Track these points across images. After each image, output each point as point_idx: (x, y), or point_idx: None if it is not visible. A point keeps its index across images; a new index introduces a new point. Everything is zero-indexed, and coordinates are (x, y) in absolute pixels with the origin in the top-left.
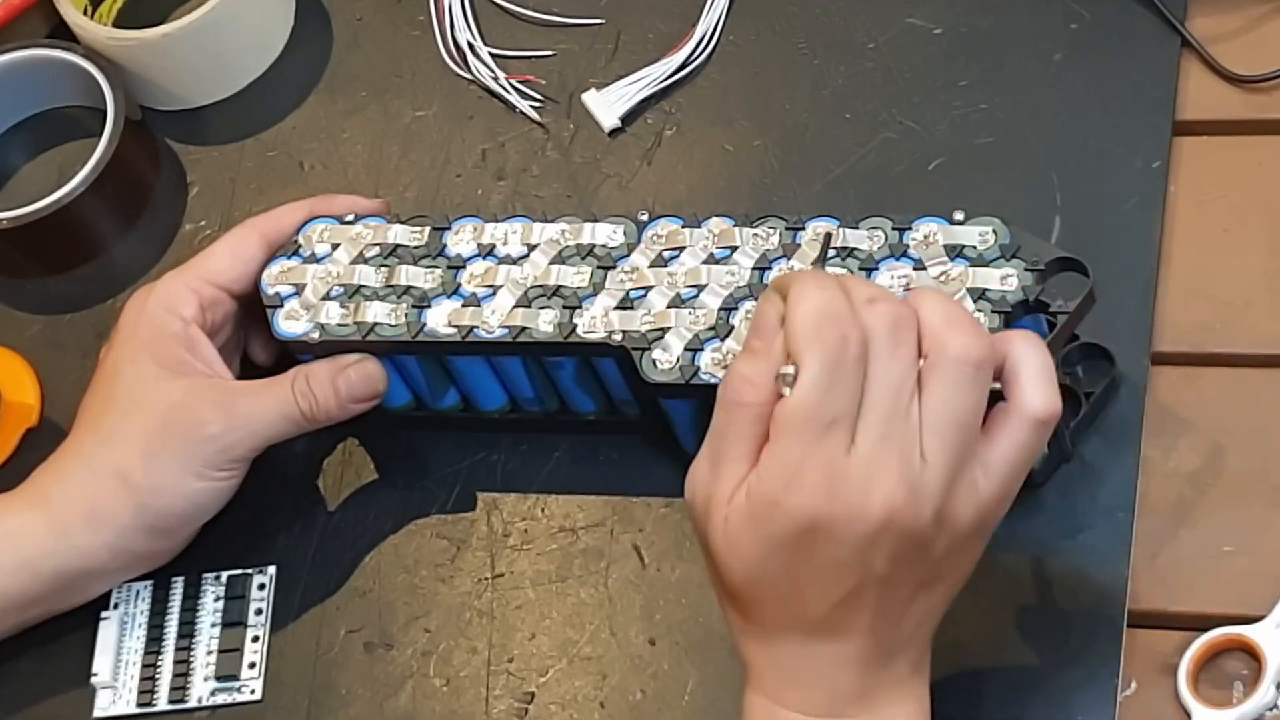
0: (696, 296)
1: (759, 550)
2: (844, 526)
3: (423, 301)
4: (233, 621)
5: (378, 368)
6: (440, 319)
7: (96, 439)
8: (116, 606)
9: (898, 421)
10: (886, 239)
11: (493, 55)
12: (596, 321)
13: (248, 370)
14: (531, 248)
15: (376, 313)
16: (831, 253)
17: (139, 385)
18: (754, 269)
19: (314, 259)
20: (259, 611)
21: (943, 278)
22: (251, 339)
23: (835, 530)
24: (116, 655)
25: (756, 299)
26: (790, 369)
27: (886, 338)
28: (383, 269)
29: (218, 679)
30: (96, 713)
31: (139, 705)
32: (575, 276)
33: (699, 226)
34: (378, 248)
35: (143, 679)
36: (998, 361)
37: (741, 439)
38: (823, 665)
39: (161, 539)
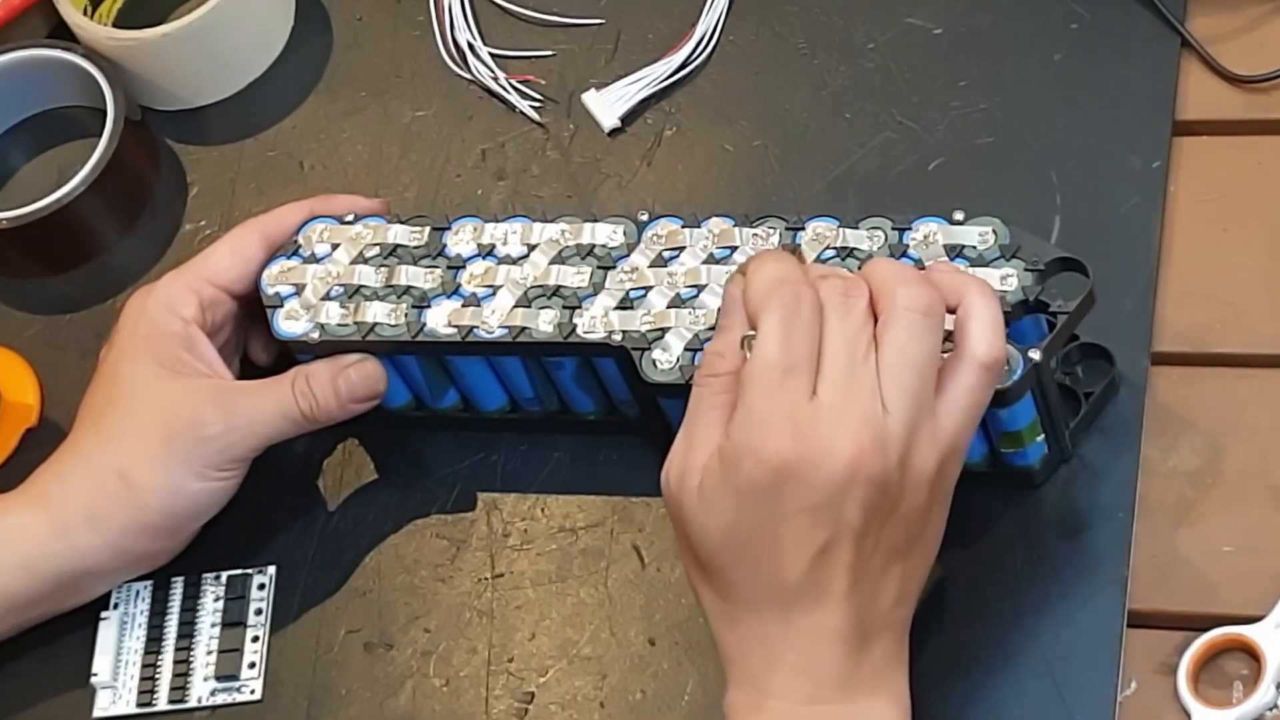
0: (696, 296)
1: (732, 504)
2: (813, 470)
3: (423, 301)
4: (233, 621)
5: (378, 368)
6: (440, 319)
7: (97, 439)
8: (116, 606)
9: (857, 372)
10: (886, 239)
11: (493, 55)
12: (596, 321)
13: (248, 370)
14: (531, 248)
15: (376, 313)
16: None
17: (139, 385)
18: None
19: (314, 259)
20: (259, 611)
21: None
22: (251, 339)
23: (805, 474)
24: (116, 655)
25: None
26: (752, 333)
27: (839, 301)
28: (383, 269)
29: (218, 679)
30: (96, 713)
31: (139, 705)
32: (575, 276)
33: (699, 226)
34: (378, 248)
35: (143, 679)
36: (951, 305)
37: (713, 408)
38: (802, 642)
39: (162, 539)
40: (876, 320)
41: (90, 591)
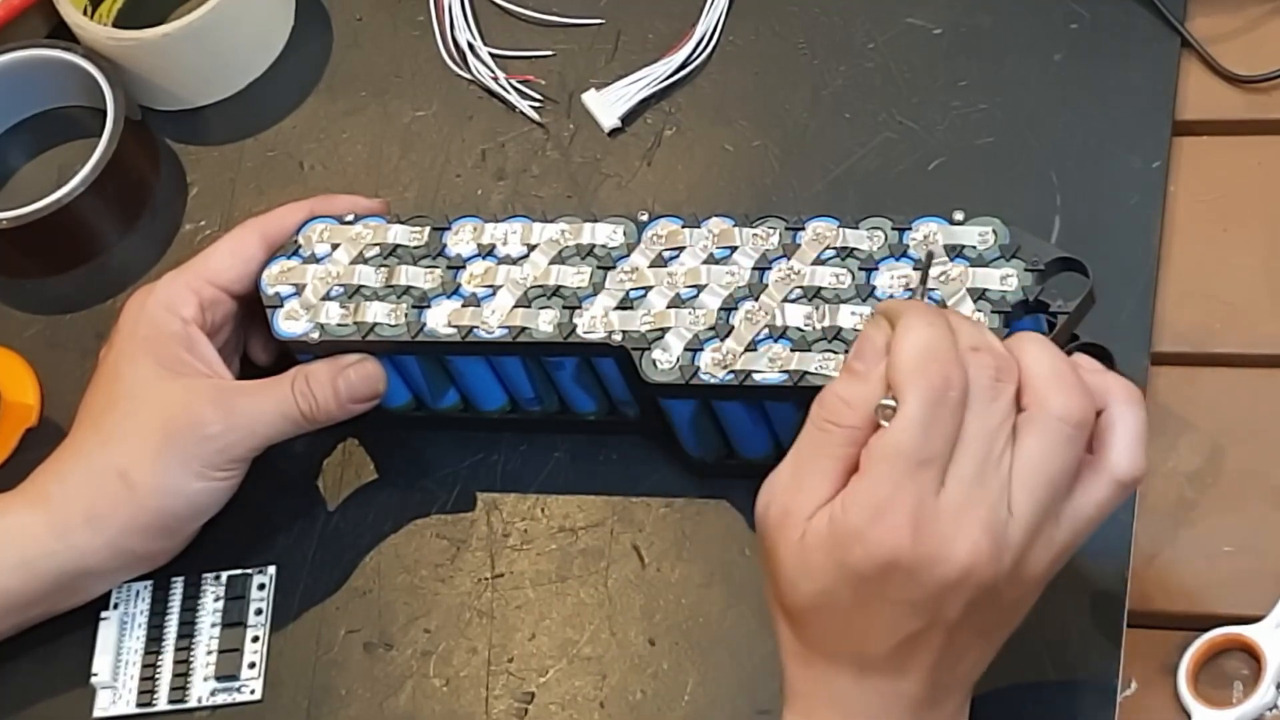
0: (696, 296)
1: (831, 577)
2: (924, 569)
3: (423, 301)
4: (233, 621)
5: (378, 368)
6: (440, 319)
7: (97, 439)
8: (116, 606)
9: (989, 471)
10: (886, 239)
11: (493, 55)
12: (596, 321)
13: (248, 370)
14: (531, 248)
15: (376, 313)
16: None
17: (139, 385)
18: (754, 269)
19: (314, 259)
20: (259, 611)
21: (943, 278)
22: (251, 339)
23: (915, 571)
24: (116, 655)
25: (757, 299)
26: (890, 402)
27: (987, 387)
28: (383, 269)
29: (218, 679)
30: (96, 713)
31: (139, 705)
32: (575, 276)
33: (699, 226)
34: (378, 248)
35: (143, 679)
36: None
37: (830, 458)
38: (874, 701)
39: (161, 539)
40: (1020, 406)
41: (90, 591)
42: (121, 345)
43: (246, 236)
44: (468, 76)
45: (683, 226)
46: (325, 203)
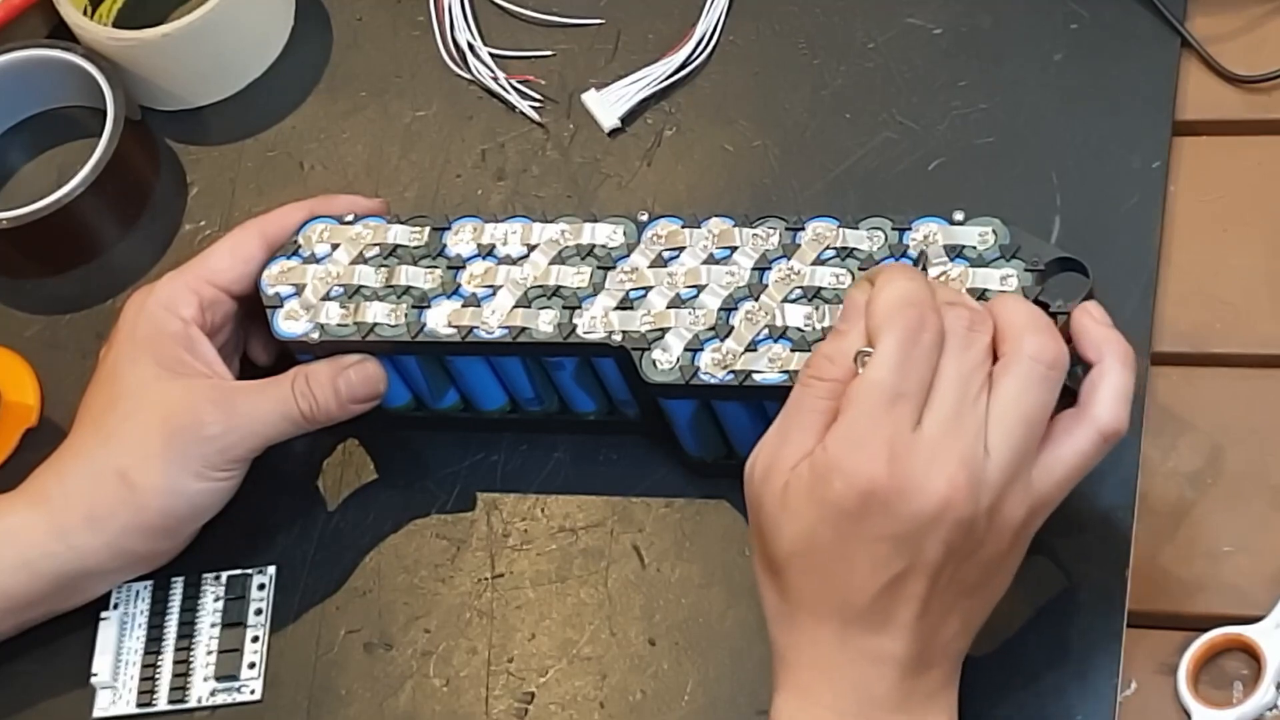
0: (696, 297)
1: (813, 515)
2: (902, 501)
3: (423, 302)
4: (233, 621)
5: (378, 368)
6: (440, 319)
7: (97, 439)
8: (116, 606)
9: (966, 410)
10: (886, 239)
11: (493, 55)
12: (596, 321)
13: (248, 370)
14: (531, 248)
15: (376, 313)
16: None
17: (139, 385)
18: (754, 269)
19: (314, 259)
20: (259, 612)
21: (942, 278)
22: (251, 339)
23: (892, 504)
24: (116, 655)
25: (757, 299)
26: (868, 349)
27: (962, 334)
28: (383, 269)
29: (217, 679)
30: (96, 713)
31: (139, 705)
32: (575, 277)
33: (699, 226)
34: (378, 248)
35: (143, 679)
36: (1087, 358)
37: (813, 412)
38: (860, 663)
39: (161, 539)
40: (995, 359)
41: (90, 591)
42: (121, 345)
43: (246, 237)
44: (468, 76)
45: (683, 226)
46: (325, 203)
